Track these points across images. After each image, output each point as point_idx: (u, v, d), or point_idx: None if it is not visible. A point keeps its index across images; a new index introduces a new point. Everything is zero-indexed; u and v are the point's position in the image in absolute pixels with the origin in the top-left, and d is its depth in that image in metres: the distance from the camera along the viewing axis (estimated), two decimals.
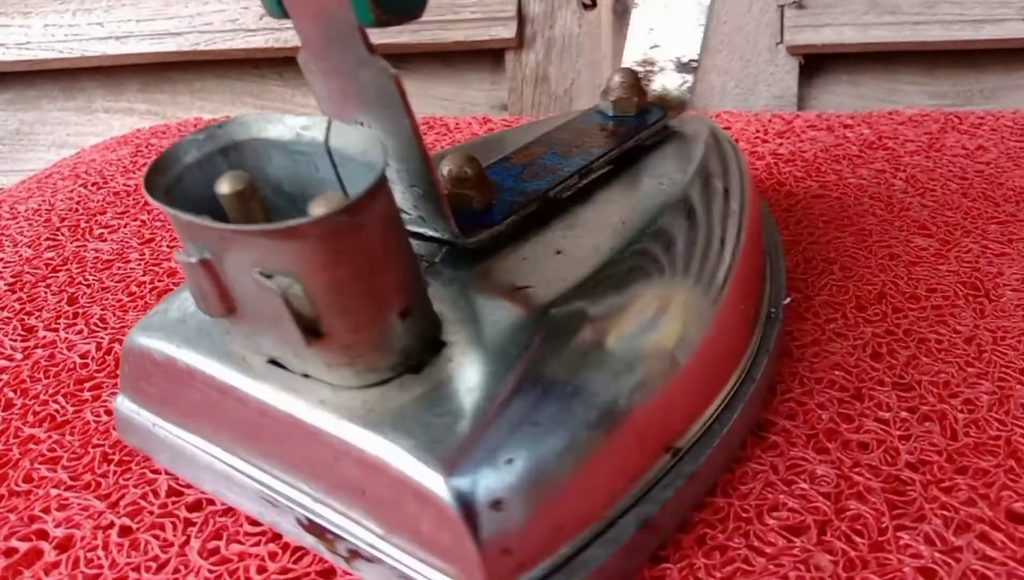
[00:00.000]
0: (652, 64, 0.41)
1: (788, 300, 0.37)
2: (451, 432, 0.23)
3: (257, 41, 0.74)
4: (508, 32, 0.71)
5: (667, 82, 0.41)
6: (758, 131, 0.61)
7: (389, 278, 0.23)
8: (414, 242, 0.30)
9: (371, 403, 0.24)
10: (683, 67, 0.41)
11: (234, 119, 0.25)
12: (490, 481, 0.23)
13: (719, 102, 0.76)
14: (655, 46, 0.41)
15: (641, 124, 0.39)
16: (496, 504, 0.23)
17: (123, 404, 0.32)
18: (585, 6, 0.71)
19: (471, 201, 0.31)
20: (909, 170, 0.53)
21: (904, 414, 0.32)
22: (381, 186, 0.22)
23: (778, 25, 0.71)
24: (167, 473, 0.31)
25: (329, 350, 0.24)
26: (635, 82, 0.40)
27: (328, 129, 0.24)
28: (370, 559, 0.25)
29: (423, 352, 0.25)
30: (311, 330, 0.23)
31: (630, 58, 0.42)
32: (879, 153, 0.56)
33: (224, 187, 0.22)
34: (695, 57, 0.40)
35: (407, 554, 0.25)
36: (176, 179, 0.24)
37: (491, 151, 0.37)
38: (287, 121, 0.25)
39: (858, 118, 0.63)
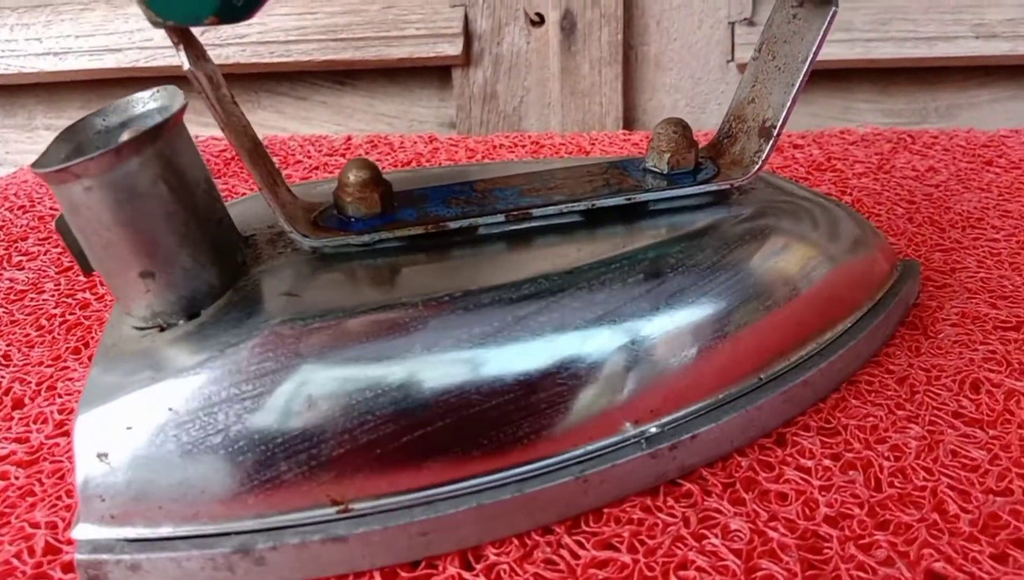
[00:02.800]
0: (744, 121, 0.36)
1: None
2: (113, 390, 0.27)
3: None
4: (454, 49, 0.69)
5: (749, 145, 0.35)
6: None
7: (128, 241, 0.26)
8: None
9: (121, 341, 0.28)
10: (764, 132, 0.35)
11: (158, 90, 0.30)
12: (106, 437, 0.26)
13: None
14: (752, 101, 0.36)
15: (674, 183, 0.34)
16: (103, 456, 0.26)
17: None
18: (532, 23, 0.69)
19: (346, 207, 0.32)
20: (855, 193, 0.52)
21: (827, 462, 0.30)
22: (112, 160, 0.25)
23: (729, 43, 0.70)
24: (47, 526, 0.29)
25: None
26: (676, 136, 0.35)
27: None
28: None
29: (175, 315, 0.28)
30: (85, 265, 0.29)
31: (730, 110, 0.37)
32: (827, 175, 0.55)
33: (125, 138, 0.25)
34: (776, 123, 0.34)
35: None
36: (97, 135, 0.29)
37: (485, 174, 0.36)
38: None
39: (808, 138, 0.62)
